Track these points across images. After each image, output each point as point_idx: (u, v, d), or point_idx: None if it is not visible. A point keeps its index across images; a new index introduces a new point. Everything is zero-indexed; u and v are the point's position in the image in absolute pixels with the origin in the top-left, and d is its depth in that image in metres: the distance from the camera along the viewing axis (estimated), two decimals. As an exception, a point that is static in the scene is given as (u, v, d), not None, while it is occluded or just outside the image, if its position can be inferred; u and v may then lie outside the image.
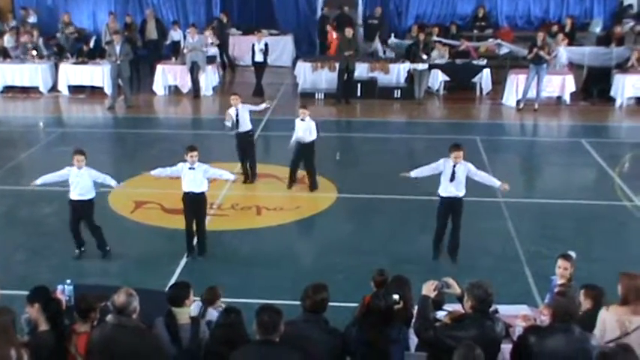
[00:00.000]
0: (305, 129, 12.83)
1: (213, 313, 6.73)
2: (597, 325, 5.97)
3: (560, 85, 19.63)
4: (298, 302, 5.80)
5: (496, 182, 9.89)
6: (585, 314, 6.21)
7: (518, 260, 10.33)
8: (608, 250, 10.62)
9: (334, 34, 22.44)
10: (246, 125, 13.13)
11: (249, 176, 13.42)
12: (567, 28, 22.18)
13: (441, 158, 9.90)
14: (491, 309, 5.81)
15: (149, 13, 23.67)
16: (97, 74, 20.35)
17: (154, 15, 23.69)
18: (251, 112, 13.27)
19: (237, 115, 12.99)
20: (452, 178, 9.70)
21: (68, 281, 7.24)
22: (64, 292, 7.07)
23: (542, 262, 9.47)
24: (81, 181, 9.97)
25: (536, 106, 18.92)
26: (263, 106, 13.72)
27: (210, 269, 10.00)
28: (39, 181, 10.10)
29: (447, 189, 9.82)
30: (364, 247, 10.69)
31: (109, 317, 5.66)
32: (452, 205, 9.90)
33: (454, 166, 9.68)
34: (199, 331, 5.99)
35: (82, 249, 10.32)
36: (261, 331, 5.31)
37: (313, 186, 13.10)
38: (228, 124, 12.98)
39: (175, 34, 22.63)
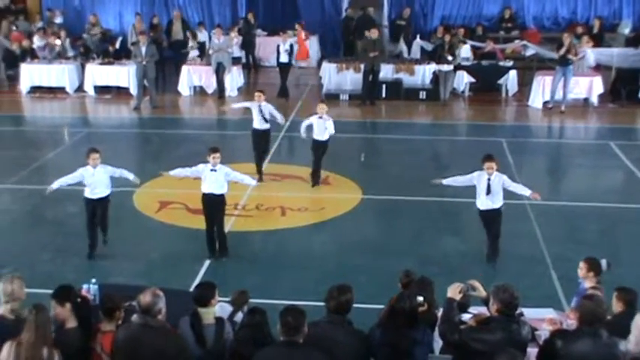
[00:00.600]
0: (321, 127, 12.84)
1: (238, 315, 6.74)
2: (632, 331, 5.83)
3: (587, 86, 19.44)
4: (322, 303, 5.77)
5: (527, 191, 9.85)
6: (616, 318, 6.10)
7: (544, 263, 10.22)
8: (635, 253, 10.48)
9: (303, 35, 22.47)
10: (264, 123, 13.21)
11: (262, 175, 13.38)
12: (595, 29, 22.00)
13: (476, 171, 9.85)
14: (517, 312, 5.75)
15: (176, 14, 23.84)
16: (123, 75, 20.49)
17: (181, 16, 23.82)
18: (271, 113, 13.28)
19: (260, 112, 13.06)
20: (488, 191, 9.69)
21: (93, 280, 7.28)
22: (89, 291, 7.11)
23: (569, 265, 9.34)
24: (97, 179, 10.04)
25: (563, 108, 18.73)
26: (280, 117, 13.64)
27: (235, 269, 10.00)
28: (55, 185, 10.09)
29: (484, 202, 9.82)
30: (389, 249, 10.64)
31: (135, 317, 5.68)
32: (490, 216, 9.90)
33: (488, 178, 9.66)
34: (224, 331, 5.98)
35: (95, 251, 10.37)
36: (285, 332, 5.30)
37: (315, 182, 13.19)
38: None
39: (201, 35, 22.72)
